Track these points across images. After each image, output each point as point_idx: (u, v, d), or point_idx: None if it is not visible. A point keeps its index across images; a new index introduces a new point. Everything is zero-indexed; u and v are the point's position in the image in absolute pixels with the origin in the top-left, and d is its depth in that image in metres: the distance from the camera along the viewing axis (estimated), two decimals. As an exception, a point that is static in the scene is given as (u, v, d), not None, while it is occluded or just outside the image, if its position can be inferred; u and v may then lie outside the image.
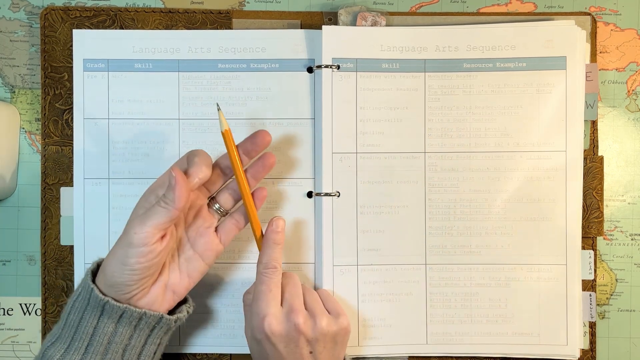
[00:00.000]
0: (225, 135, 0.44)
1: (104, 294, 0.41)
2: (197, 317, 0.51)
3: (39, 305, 0.52)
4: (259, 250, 0.46)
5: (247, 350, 0.51)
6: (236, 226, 0.46)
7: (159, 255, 0.41)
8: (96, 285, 0.42)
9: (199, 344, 0.51)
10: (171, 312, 0.45)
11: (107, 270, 0.41)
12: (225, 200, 0.46)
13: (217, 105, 0.45)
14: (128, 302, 0.42)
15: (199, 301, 0.51)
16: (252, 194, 0.46)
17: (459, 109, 0.51)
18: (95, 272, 0.43)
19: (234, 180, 0.46)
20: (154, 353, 0.44)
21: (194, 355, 0.52)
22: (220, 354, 0.52)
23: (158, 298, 0.43)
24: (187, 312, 0.45)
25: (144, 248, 0.40)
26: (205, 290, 0.51)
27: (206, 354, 0.52)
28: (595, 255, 0.52)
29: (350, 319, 0.50)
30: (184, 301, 0.46)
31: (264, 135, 0.45)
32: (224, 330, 0.51)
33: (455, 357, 0.51)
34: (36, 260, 0.52)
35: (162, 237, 0.41)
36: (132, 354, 0.42)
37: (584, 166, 0.51)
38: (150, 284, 0.42)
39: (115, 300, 0.41)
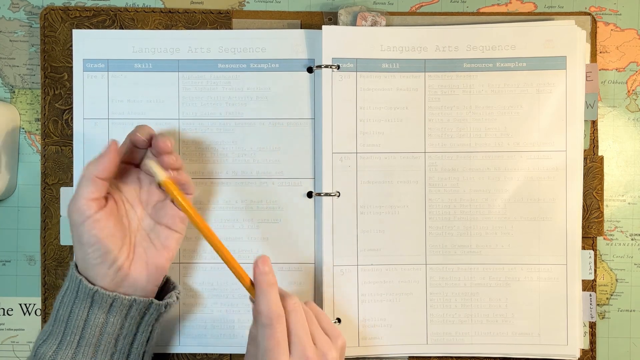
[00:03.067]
0: (167, 185, 0.42)
1: (92, 283, 0.41)
2: (197, 317, 0.51)
3: (39, 305, 0.52)
4: (252, 296, 0.42)
5: (247, 350, 0.51)
6: (186, 191, 0.45)
7: (108, 224, 0.42)
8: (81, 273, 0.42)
9: (199, 344, 0.51)
10: (160, 297, 0.45)
11: (76, 259, 0.42)
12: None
13: (148, 163, 0.43)
14: (116, 290, 0.42)
15: (199, 301, 0.51)
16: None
17: (459, 109, 0.51)
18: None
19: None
20: (147, 340, 0.44)
21: (194, 355, 0.52)
22: (220, 354, 0.52)
23: (142, 276, 0.43)
24: (177, 297, 0.45)
25: (88, 221, 0.41)
26: (205, 290, 0.51)
27: (206, 354, 0.52)
28: (595, 255, 0.52)
29: (350, 319, 0.50)
30: (172, 288, 0.46)
31: (165, 142, 0.43)
32: (224, 330, 0.51)
33: (455, 357, 0.51)
34: (36, 260, 0.52)
35: (100, 205, 0.42)
36: (124, 343, 0.43)
37: (584, 166, 0.51)
38: (123, 260, 0.43)
39: (104, 289, 0.41)
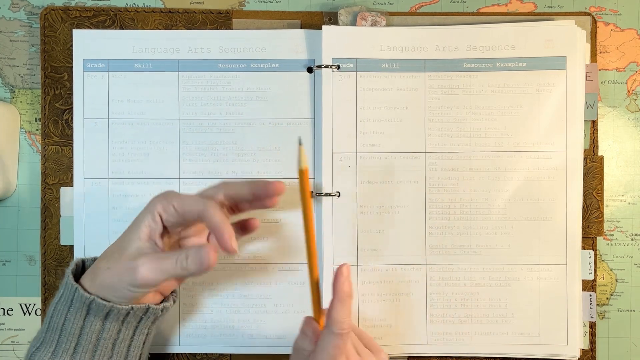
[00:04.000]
0: (303, 174, 0.40)
1: (89, 292, 0.40)
2: (197, 317, 0.51)
3: (39, 305, 0.52)
4: (313, 297, 0.42)
5: (247, 350, 0.51)
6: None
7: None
8: (81, 284, 0.41)
9: (199, 344, 0.51)
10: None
11: (107, 289, 0.41)
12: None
13: (299, 139, 0.41)
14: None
15: (199, 301, 0.51)
16: (245, 223, 0.45)
17: (459, 109, 0.51)
18: (75, 272, 0.42)
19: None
20: (144, 342, 0.44)
21: (194, 355, 0.52)
22: (220, 354, 0.52)
23: (149, 299, 0.43)
24: (173, 300, 0.45)
25: (152, 288, 0.41)
26: (205, 290, 0.51)
27: (206, 354, 0.52)
28: (595, 255, 0.52)
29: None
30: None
31: (277, 187, 0.43)
32: (224, 330, 0.51)
33: (455, 357, 0.51)
34: (36, 260, 0.52)
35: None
36: (121, 346, 0.42)
37: (584, 166, 0.51)
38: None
39: (101, 298, 0.40)
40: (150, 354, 0.50)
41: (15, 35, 0.53)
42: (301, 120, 0.51)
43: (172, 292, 0.46)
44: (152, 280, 0.40)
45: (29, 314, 0.53)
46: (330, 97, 0.50)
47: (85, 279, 0.41)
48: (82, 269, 0.43)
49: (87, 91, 0.51)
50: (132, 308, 0.41)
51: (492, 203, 0.51)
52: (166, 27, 0.52)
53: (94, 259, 0.43)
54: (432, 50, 0.51)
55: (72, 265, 0.42)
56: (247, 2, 0.53)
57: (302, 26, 0.52)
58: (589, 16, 0.52)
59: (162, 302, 0.44)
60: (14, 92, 0.53)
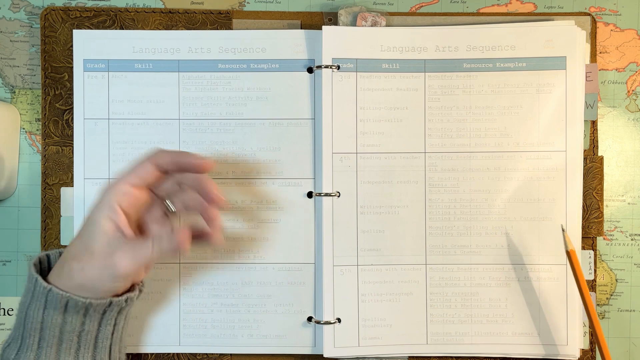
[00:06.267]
0: (572, 254, 0.48)
1: (48, 282, 0.41)
2: (197, 317, 0.51)
3: (39, 305, 0.52)
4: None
5: (246, 350, 0.51)
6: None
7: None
8: (49, 281, 0.41)
9: (199, 344, 0.51)
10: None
11: (85, 290, 0.41)
12: (177, 202, 0.45)
13: (562, 226, 0.50)
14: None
15: (199, 301, 0.51)
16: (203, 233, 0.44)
17: (459, 109, 0.51)
18: (40, 265, 0.43)
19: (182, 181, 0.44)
20: (112, 333, 0.43)
21: (194, 355, 0.52)
22: (220, 354, 0.52)
23: (119, 290, 0.43)
24: (140, 290, 0.45)
25: (132, 277, 0.42)
26: (205, 290, 0.51)
27: (206, 354, 0.52)
28: (595, 255, 0.52)
29: (350, 319, 0.50)
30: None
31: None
32: (224, 330, 0.51)
33: (455, 357, 0.51)
34: (36, 260, 0.52)
35: None
36: (88, 337, 0.42)
37: (584, 166, 0.51)
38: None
39: (59, 288, 0.40)
40: (150, 354, 0.51)
41: (16, 35, 0.53)
42: (301, 120, 0.51)
43: (140, 282, 0.46)
44: (132, 270, 0.41)
45: (29, 314, 0.53)
46: (330, 97, 0.50)
47: (55, 277, 0.41)
48: (47, 264, 0.44)
49: (87, 91, 0.51)
50: (91, 303, 0.41)
51: (492, 203, 0.51)
52: (166, 28, 0.52)
53: (60, 253, 0.43)
54: (432, 51, 0.51)
55: (35, 260, 0.43)
56: (247, 3, 0.53)
57: (302, 26, 0.52)
58: (588, 16, 0.52)
59: (125, 294, 0.43)
60: (14, 92, 0.53)
